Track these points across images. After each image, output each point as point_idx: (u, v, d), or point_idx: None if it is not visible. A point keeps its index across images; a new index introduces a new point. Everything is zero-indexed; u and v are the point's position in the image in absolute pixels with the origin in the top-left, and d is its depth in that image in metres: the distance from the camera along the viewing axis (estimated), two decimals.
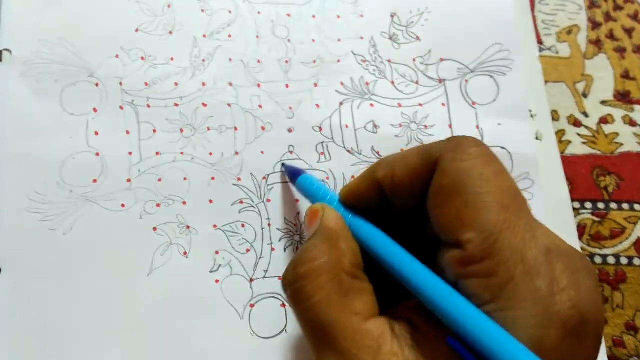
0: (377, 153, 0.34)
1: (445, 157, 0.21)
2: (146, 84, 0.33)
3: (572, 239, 0.34)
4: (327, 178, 0.33)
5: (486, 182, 0.20)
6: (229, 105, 0.33)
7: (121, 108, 0.32)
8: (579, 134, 0.38)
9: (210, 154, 0.32)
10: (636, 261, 0.35)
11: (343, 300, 0.21)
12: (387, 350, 0.19)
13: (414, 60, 0.36)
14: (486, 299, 0.19)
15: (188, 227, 0.31)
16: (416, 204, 0.23)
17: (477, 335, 0.18)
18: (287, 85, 0.34)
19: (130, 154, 0.31)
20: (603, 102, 0.39)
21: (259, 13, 0.35)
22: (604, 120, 0.39)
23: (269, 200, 0.32)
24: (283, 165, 0.32)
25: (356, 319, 0.20)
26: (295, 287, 0.22)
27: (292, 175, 0.30)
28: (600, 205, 0.36)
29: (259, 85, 0.34)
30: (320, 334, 0.21)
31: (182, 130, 0.32)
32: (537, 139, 0.36)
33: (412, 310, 0.21)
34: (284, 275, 0.23)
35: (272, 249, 0.31)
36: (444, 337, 0.19)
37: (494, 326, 0.18)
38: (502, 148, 0.35)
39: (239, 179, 0.32)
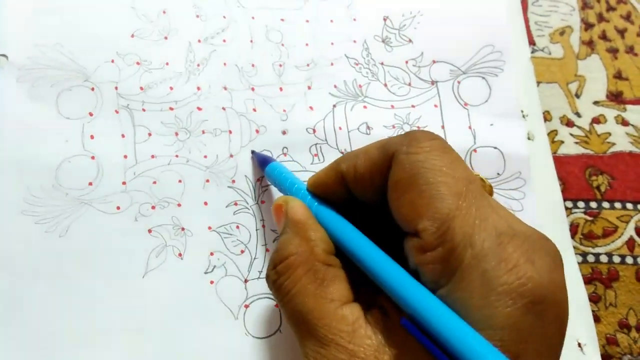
0: None
1: (400, 151, 0.22)
2: (141, 88, 0.33)
3: (565, 238, 0.35)
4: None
5: (439, 172, 0.21)
6: (224, 108, 0.33)
7: (116, 112, 0.32)
8: (571, 134, 0.38)
9: (205, 156, 0.32)
10: (628, 259, 0.35)
11: (319, 289, 0.22)
12: (362, 334, 0.20)
13: (407, 62, 0.36)
14: (442, 283, 0.20)
15: (183, 228, 0.31)
16: (378, 196, 0.23)
17: (427, 316, 0.19)
18: (280, 89, 0.35)
19: (125, 157, 0.32)
20: (595, 102, 0.40)
21: (253, 18, 0.36)
22: (596, 120, 0.39)
23: (262, 202, 0.32)
24: (252, 152, 0.33)
25: (332, 306, 0.21)
26: (277, 284, 0.23)
27: (261, 163, 0.31)
28: (593, 205, 0.36)
29: (253, 89, 0.34)
30: (301, 324, 0.22)
31: (177, 134, 0.33)
32: (529, 139, 0.36)
33: (383, 295, 0.22)
34: (266, 275, 0.24)
35: (267, 250, 0.31)
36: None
37: (443, 308, 0.19)
38: (495, 148, 0.35)
39: (233, 181, 0.32)
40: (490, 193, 0.27)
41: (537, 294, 0.18)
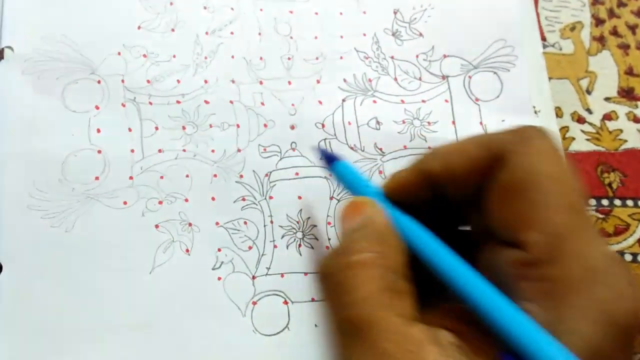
0: (380, 149, 0.33)
1: (511, 151, 0.20)
2: (148, 81, 0.32)
3: None
4: (330, 175, 0.33)
5: (554, 180, 0.19)
6: (231, 102, 0.33)
7: (123, 105, 0.32)
8: (582, 131, 0.38)
9: (213, 151, 0.32)
10: None
11: (389, 300, 0.19)
12: (427, 357, 0.18)
13: (417, 56, 0.36)
14: (543, 305, 0.18)
15: (190, 224, 0.31)
16: (470, 197, 0.21)
17: (537, 353, 0.17)
18: (289, 82, 0.34)
19: (132, 151, 0.31)
20: (607, 99, 0.39)
21: (261, 10, 0.35)
22: (607, 116, 0.39)
23: (271, 198, 0.32)
24: (319, 148, 0.30)
25: (399, 321, 0.19)
26: (338, 278, 0.20)
27: (329, 160, 0.29)
28: (604, 202, 0.36)
29: (261, 82, 0.34)
30: (356, 330, 0.19)
31: (184, 128, 0.32)
32: None
33: (455, 317, 0.20)
34: (323, 263, 0.21)
35: (275, 246, 0.31)
36: (493, 350, 0.18)
37: (554, 343, 0.17)
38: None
39: (241, 176, 0.32)
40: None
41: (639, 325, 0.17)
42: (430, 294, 0.20)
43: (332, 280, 0.20)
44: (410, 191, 0.23)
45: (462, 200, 0.22)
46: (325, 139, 0.33)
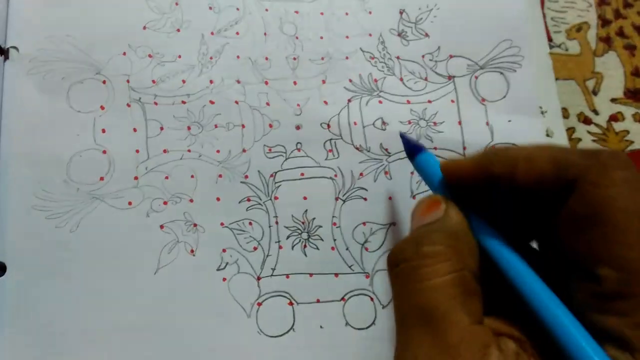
0: (386, 150, 0.33)
1: (587, 181, 0.19)
2: (153, 81, 0.32)
3: None
4: (335, 175, 0.32)
5: (632, 215, 0.18)
6: (237, 102, 0.33)
7: (128, 105, 0.32)
8: (589, 132, 0.38)
9: (218, 151, 0.32)
10: None
11: (461, 295, 0.19)
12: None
13: (423, 56, 0.36)
14: (622, 336, 0.17)
15: (195, 224, 0.30)
16: (536, 213, 0.20)
17: None
18: (294, 83, 0.34)
19: (137, 151, 0.31)
20: (613, 100, 0.39)
21: (266, 10, 0.35)
22: (614, 117, 0.38)
23: (276, 198, 0.32)
24: (402, 136, 0.29)
25: (467, 319, 0.19)
26: (412, 265, 0.20)
27: (411, 151, 0.28)
28: None
29: (266, 83, 0.34)
30: (425, 321, 0.19)
31: (189, 128, 0.32)
32: (547, 135, 0.35)
33: (518, 328, 0.20)
34: (397, 248, 0.21)
35: (280, 247, 0.31)
36: None
37: None
38: (513, 145, 0.34)
39: (246, 177, 0.32)
40: None
41: None
42: (497, 300, 0.20)
43: (406, 266, 0.20)
44: (469, 181, 0.22)
45: (524, 210, 0.21)
46: (330, 140, 0.33)
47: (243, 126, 0.33)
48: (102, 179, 0.30)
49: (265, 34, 0.35)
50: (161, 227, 0.30)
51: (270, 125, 0.33)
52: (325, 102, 0.34)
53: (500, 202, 0.21)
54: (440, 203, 0.22)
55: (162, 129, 0.32)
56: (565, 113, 0.38)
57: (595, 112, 0.38)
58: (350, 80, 0.34)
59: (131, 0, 0.33)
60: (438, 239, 0.20)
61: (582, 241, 0.18)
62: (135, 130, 0.31)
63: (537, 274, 0.20)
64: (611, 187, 0.18)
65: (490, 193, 0.21)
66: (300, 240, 0.31)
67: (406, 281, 0.20)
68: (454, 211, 0.21)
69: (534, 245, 0.23)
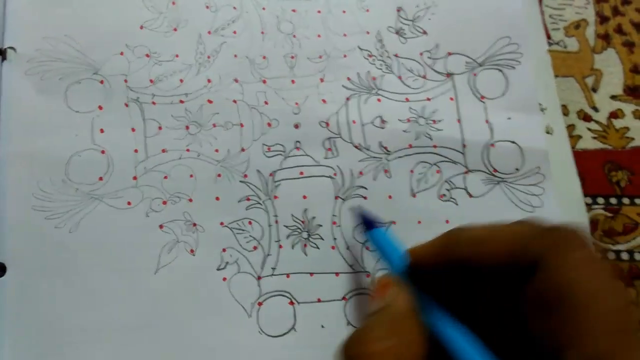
0: (385, 148, 0.33)
1: (548, 261, 0.18)
2: (151, 80, 0.32)
3: (585, 235, 0.34)
4: (335, 174, 0.32)
5: (595, 298, 0.17)
6: (235, 101, 0.33)
7: (126, 105, 0.32)
8: (589, 129, 0.38)
9: (216, 150, 0.32)
10: None
11: None
12: None
13: (421, 54, 0.36)
14: None
15: (194, 224, 0.30)
16: (502, 291, 0.20)
17: None
18: (292, 81, 0.34)
19: (135, 151, 0.31)
20: (613, 97, 0.39)
21: (263, 9, 0.35)
22: (614, 114, 0.38)
23: (275, 197, 0.31)
24: (358, 211, 0.30)
25: None
26: None
27: (366, 225, 0.28)
28: (613, 201, 0.36)
29: (264, 81, 0.34)
30: None
31: (187, 127, 0.32)
32: (547, 132, 0.35)
33: None
34: (344, 347, 0.21)
35: (280, 246, 0.31)
36: None
37: None
38: (513, 142, 0.34)
39: (245, 176, 0.32)
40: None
41: None
42: None
43: None
44: (433, 265, 0.22)
45: (488, 292, 0.21)
46: (329, 138, 0.33)
47: (242, 125, 0.32)
48: (101, 179, 0.30)
49: (262, 32, 0.35)
50: (160, 226, 0.30)
51: (269, 124, 0.33)
52: (324, 101, 0.34)
53: (463, 284, 0.21)
54: (390, 286, 0.22)
55: (160, 128, 0.32)
56: (564, 110, 0.38)
57: (595, 109, 0.38)
58: (349, 79, 0.34)
59: (128, 0, 0.33)
60: (379, 335, 0.20)
61: (546, 326, 0.18)
62: (133, 130, 0.31)
63: (494, 357, 0.19)
64: (572, 270, 0.18)
65: (453, 275, 0.21)
66: (300, 239, 0.31)
67: None
68: (400, 296, 0.21)
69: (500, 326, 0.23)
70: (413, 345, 0.20)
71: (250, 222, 0.31)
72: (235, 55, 0.34)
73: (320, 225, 0.31)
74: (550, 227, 0.19)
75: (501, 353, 0.20)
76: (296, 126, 0.33)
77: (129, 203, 0.30)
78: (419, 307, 0.21)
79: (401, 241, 0.25)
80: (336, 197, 0.32)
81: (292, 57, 0.34)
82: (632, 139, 0.37)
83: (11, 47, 0.31)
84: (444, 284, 0.21)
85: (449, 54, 0.36)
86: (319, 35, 0.35)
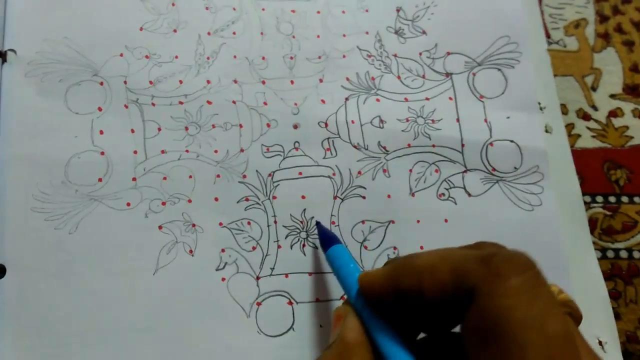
0: (384, 148, 0.33)
1: (483, 291, 0.18)
2: (151, 82, 0.32)
3: (584, 234, 0.34)
4: (334, 174, 0.32)
5: (530, 328, 0.17)
6: (234, 102, 0.33)
7: (126, 107, 0.32)
8: (588, 128, 0.38)
9: (216, 151, 0.32)
10: None
11: None
12: None
13: (420, 54, 0.36)
14: None
15: (194, 225, 0.30)
16: (446, 324, 0.21)
17: None
18: (292, 82, 0.34)
19: (135, 152, 0.31)
20: (612, 96, 0.39)
21: (263, 10, 0.35)
22: (613, 113, 0.38)
23: (274, 198, 0.32)
24: (317, 224, 0.31)
25: None
26: None
27: (324, 242, 0.28)
28: (612, 199, 0.36)
29: (263, 82, 0.34)
30: None
31: (187, 128, 0.32)
32: (546, 131, 0.35)
33: None
34: None
35: (279, 246, 0.31)
36: None
37: None
38: (512, 142, 0.34)
39: (244, 176, 0.32)
40: (579, 321, 0.24)
41: None
42: None
43: None
44: (383, 296, 0.22)
45: (436, 322, 0.21)
46: (328, 138, 0.33)
47: (241, 126, 0.33)
48: (100, 180, 0.30)
49: (262, 33, 0.35)
50: (160, 227, 0.30)
51: (268, 125, 0.33)
52: (323, 101, 0.34)
53: (413, 311, 0.21)
54: (339, 320, 0.22)
55: (159, 129, 0.32)
56: (564, 109, 0.38)
57: (595, 108, 0.38)
58: (348, 79, 0.34)
59: (128, 1, 0.34)
60: None
61: (483, 356, 0.18)
62: (133, 131, 0.31)
63: None
64: (506, 298, 0.17)
65: (404, 304, 0.21)
66: (299, 239, 0.31)
67: None
68: (353, 329, 0.22)
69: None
70: None
71: (249, 223, 0.31)
72: (235, 56, 0.34)
73: None
74: (490, 254, 0.19)
75: None
76: (295, 127, 0.33)
77: (128, 204, 0.30)
78: (372, 334, 0.22)
79: (356, 262, 0.26)
80: (335, 197, 0.32)
81: (292, 58, 0.34)
82: (632, 137, 0.37)
83: (11, 50, 0.31)
84: (395, 310, 0.21)
85: (448, 53, 0.36)
86: (318, 36, 0.35)
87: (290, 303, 0.30)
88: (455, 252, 0.20)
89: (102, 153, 0.31)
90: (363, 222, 0.32)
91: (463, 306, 0.19)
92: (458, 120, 0.34)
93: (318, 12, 0.36)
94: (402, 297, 0.21)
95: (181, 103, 0.32)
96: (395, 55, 0.35)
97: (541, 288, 0.18)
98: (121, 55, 0.33)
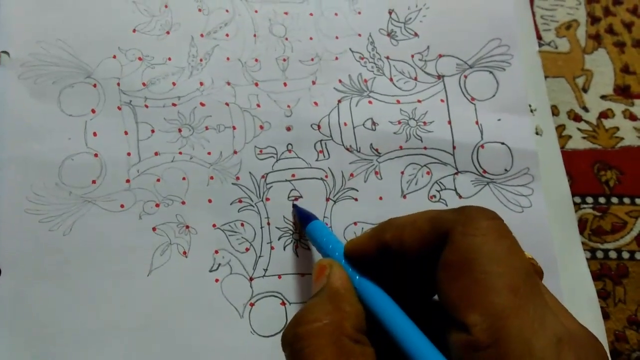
0: (376, 150, 0.33)
1: (456, 231, 0.20)
2: (144, 84, 0.32)
3: (573, 234, 0.34)
4: (326, 176, 0.33)
5: (496, 261, 0.19)
6: (227, 104, 0.33)
7: (119, 108, 0.32)
8: (579, 129, 0.38)
9: (209, 153, 0.32)
10: (638, 255, 0.35)
11: None
12: None
13: (412, 56, 0.36)
14: None
15: (187, 226, 0.31)
16: (425, 272, 0.22)
17: None
18: (285, 84, 0.34)
19: (128, 154, 0.31)
20: (603, 97, 0.39)
21: (256, 12, 0.35)
22: (604, 114, 0.39)
23: (267, 199, 0.32)
24: (294, 206, 0.32)
25: None
26: (294, 348, 0.20)
27: (303, 219, 0.30)
28: (601, 200, 0.36)
29: (256, 84, 0.34)
30: None
31: (180, 130, 0.32)
32: (537, 134, 0.36)
33: None
34: (283, 333, 0.22)
35: (272, 248, 0.31)
36: None
37: None
38: (502, 144, 0.34)
39: (237, 178, 0.32)
40: (541, 276, 0.25)
41: None
42: (395, 355, 0.21)
43: (291, 349, 0.21)
44: (369, 257, 0.23)
45: (419, 273, 0.22)
46: (321, 140, 0.33)
47: (234, 128, 0.33)
48: (94, 182, 0.30)
49: (254, 35, 0.35)
50: (153, 229, 0.30)
51: (261, 127, 0.33)
52: (316, 103, 0.34)
53: (398, 268, 0.22)
54: (326, 268, 0.23)
55: (153, 131, 0.32)
56: (555, 110, 0.38)
57: (585, 109, 0.39)
58: (340, 81, 0.35)
59: (120, 3, 0.34)
60: (317, 315, 0.21)
61: (453, 289, 0.19)
62: (126, 133, 0.32)
63: (420, 329, 0.20)
64: (477, 236, 0.19)
65: (389, 262, 0.22)
66: (292, 240, 0.31)
67: None
68: (337, 276, 0.23)
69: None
70: (352, 317, 0.21)
71: (242, 224, 0.31)
72: (228, 58, 0.34)
73: None
74: (463, 206, 0.21)
75: (426, 324, 0.21)
76: (288, 129, 0.33)
77: (122, 206, 0.30)
78: (356, 287, 0.23)
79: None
80: (327, 199, 0.32)
81: (284, 60, 0.35)
82: (622, 138, 0.38)
83: (4, 52, 0.31)
84: (378, 267, 0.23)
85: (440, 56, 0.36)
86: (310, 38, 0.35)
87: (283, 304, 0.30)
88: (433, 209, 0.22)
89: (96, 155, 0.31)
90: (355, 223, 0.32)
91: (438, 251, 0.20)
92: (449, 122, 0.35)
93: (311, 14, 0.36)
94: (384, 251, 0.22)
95: (174, 105, 0.32)
96: (387, 58, 0.36)
97: (508, 233, 0.20)
98: (114, 57, 0.33)
